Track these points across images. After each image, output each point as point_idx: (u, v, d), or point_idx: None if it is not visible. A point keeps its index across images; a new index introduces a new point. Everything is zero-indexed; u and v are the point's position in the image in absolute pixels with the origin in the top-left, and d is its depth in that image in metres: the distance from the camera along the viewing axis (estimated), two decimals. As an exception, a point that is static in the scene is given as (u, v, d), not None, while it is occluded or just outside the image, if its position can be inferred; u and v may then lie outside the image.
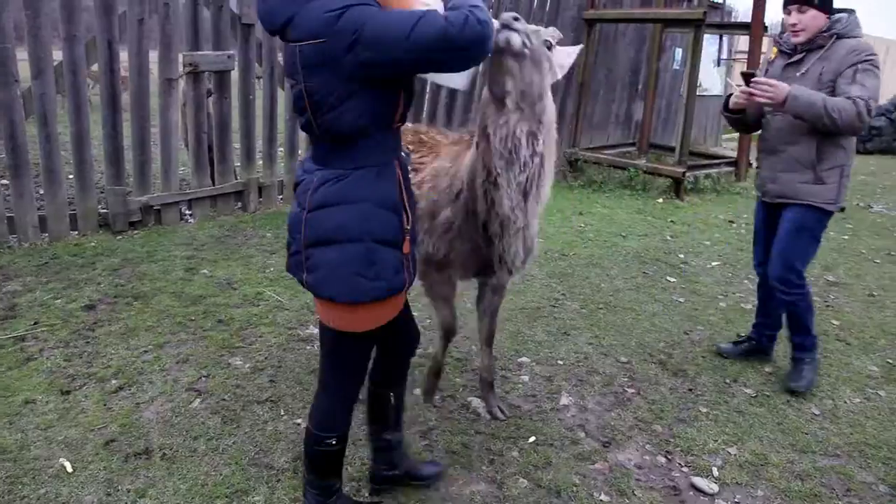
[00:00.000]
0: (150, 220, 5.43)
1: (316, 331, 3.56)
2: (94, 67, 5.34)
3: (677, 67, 10.20)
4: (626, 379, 3.30)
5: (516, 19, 1.86)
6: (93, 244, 4.94)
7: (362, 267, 1.69)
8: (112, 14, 4.86)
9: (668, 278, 4.77)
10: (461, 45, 1.52)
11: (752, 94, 2.84)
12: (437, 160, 2.57)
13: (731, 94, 3.11)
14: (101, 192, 5.50)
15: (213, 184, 5.83)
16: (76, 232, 5.14)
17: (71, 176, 5.26)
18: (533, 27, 2.00)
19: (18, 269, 4.42)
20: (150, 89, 5.28)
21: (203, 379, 3.09)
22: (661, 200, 7.20)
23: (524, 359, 3.45)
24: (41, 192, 5.13)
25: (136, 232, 5.27)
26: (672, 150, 8.47)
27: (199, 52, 5.40)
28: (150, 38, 5.15)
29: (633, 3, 8.92)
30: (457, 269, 2.56)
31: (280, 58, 5.82)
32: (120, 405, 2.85)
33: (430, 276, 2.59)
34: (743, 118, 3.18)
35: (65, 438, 2.61)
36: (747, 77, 2.90)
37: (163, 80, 5.31)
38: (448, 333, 2.78)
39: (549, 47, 2.06)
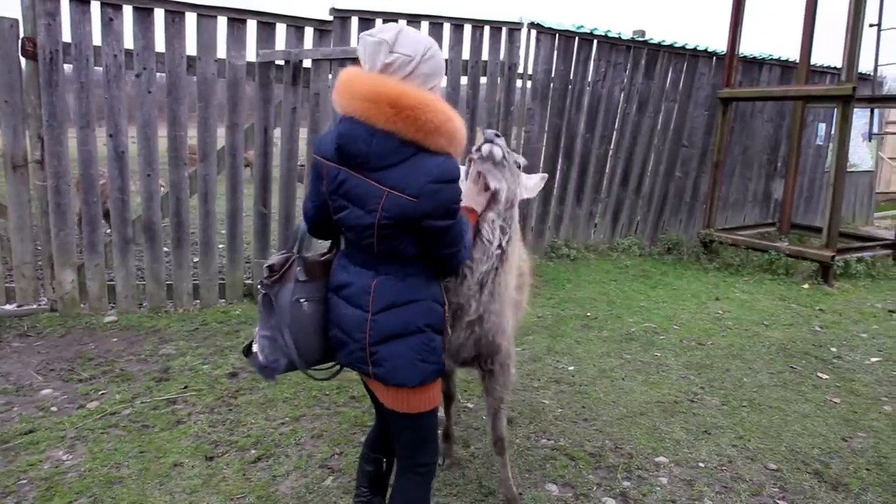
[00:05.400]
0: (289, 291, 5.73)
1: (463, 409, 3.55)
2: (250, 153, 5.85)
3: (820, 143, 9.65)
4: (776, 489, 3.00)
5: (497, 136, 2.16)
6: (237, 312, 5.29)
7: (426, 353, 1.95)
8: (269, 104, 5.35)
9: (820, 374, 4.36)
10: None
11: None
12: None
13: None
14: (247, 264, 5.92)
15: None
16: (223, 300, 5.55)
17: (221, 245, 5.71)
18: (508, 150, 2.24)
19: (173, 332, 4.79)
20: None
21: (336, 456, 3.13)
22: (806, 286, 6.68)
23: (661, 458, 3.23)
24: (195, 261, 5.60)
25: (276, 302, 5.56)
26: (817, 230, 7.93)
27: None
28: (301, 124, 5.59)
29: (772, 79, 8.60)
30: None
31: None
32: (258, 476, 2.95)
33: None
34: None
35: (207, 506, 2.73)
36: None
37: (309, 161, 5.71)
38: (445, 397, 3.02)
39: (519, 167, 2.35)
